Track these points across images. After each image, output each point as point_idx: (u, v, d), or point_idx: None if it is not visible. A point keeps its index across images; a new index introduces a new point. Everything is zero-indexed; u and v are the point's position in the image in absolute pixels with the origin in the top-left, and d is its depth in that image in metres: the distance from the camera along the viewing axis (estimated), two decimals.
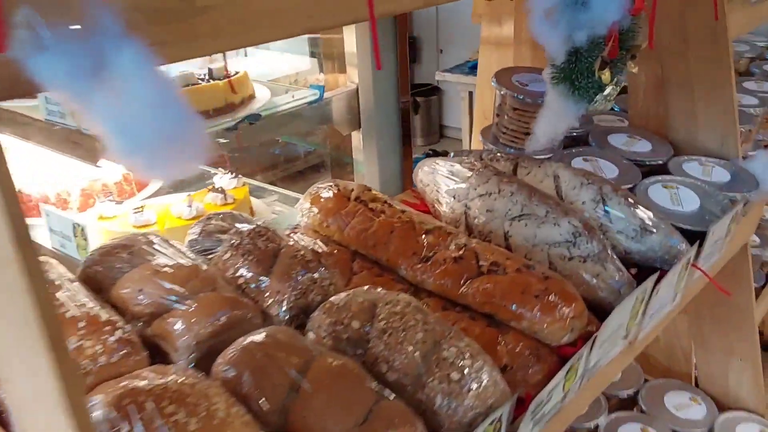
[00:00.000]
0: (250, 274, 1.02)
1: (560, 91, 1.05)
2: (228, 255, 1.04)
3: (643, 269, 1.29)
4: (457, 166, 1.44)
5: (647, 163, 1.57)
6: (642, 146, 1.63)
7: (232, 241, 1.05)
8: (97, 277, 0.99)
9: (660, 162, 1.57)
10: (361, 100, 1.58)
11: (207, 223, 1.12)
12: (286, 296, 0.99)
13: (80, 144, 1.23)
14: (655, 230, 1.26)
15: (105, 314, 0.87)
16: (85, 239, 1.39)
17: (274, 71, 2.02)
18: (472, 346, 0.89)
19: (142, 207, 1.41)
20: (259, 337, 0.85)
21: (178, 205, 1.41)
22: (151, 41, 0.54)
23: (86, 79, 0.49)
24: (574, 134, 1.74)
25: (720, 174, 1.52)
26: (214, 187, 1.48)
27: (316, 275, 1.02)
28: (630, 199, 1.30)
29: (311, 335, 0.94)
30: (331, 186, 1.34)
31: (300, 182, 2.26)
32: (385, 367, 0.86)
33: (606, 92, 1.09)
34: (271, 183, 2.12)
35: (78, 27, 0.49)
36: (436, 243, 1.18)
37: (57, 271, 0.98)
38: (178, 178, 0.69)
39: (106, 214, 1.44)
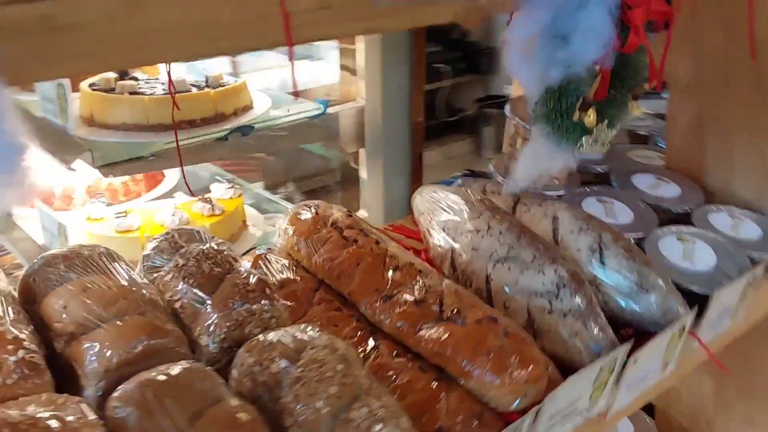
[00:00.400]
0: (187, 300, 0.97)
1: (541, 131, 0.95)
2: (170, 276, 1.00)
3: (641, 331, 1.17)
4: (455, 197, 1.35)
5: (670, 209, 1.42)
6: (669, 190, 1.49)
7: (178, 262, 1.01)
8: (33, 288, 0.96)
9: (684, 210, 1.42)
10: (367, 117, 1.51)
11: (162, 239, 1.08)
12: (219, 327, 0.93)
13: (63, 144, 1.22)
14: (652, 289, 1.13)
15: (14, 331, 0.84)
16: (66, 239, 1.39)
17: (314, 81, 1.97)
18: (389, 408, 0.81)
19: (126, 211, 1.39)
20: (160, 374, 0.79)
21: (163, 213, 1.39)
22: (6, 59, 0.49)
23: None
24: (599, 170, 1.61)
25: (750, 230, 1.37)
26: (203, 196, 1.45)
27: (255, 306, 0.96)
28: (630, 251, 1.18)
29: (234, 372, 0.89)
30: (311, 207, 1.28)
31: (317, 196, 2.21)
32: (291, 421, 0.79)
33: (596, 135, 0.98)
34: (289, 196, 2.09)
35: None
36: (402, 281, 1.10)
37: None
38: None
39: (94, 215, 1.43)
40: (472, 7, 0.83)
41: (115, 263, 1.00)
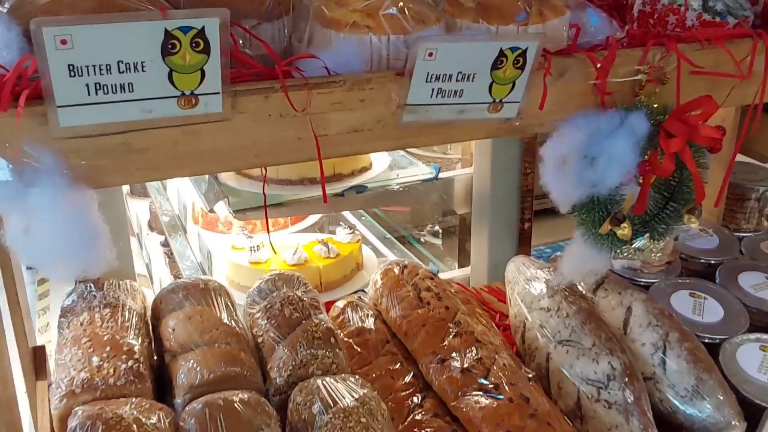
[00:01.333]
0: (267, 337, 1.17)
1: (581, 235, 1.01)
2: (260, 314, 1.21)
3: None
4: (539, 272, 1.42)
5: None
6: None
7: (268, 304, 1.22)
8: (159, 309, 1.23)
9: None
10: (476, 182, 1.62)
11: (265, 280, 1.30)
12: (286, 364, 1.12)
13: (211, 189, 1.50)
14: (708, 396, 1.13)
15: (131, 343, 1.09)
16: (212, 263, 1.68)
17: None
18: None
19: (259, 246, 1.64)
20: (223, 398, 1.00)
21: (288, 250, 1.62)
22: (92, 171, 0.72)
23: (15, 195, 0.69)
24: (712, 261, 1.57)
25: None
26: (321, 240, 1.66)
27: (319, 352, 1.13)
28: (694, 355, 1.18)
29: (289, 404, 1.07)
30: (400, 265, 1.43)
31: (431, 246, 2.37)
32: None
33: (638, 245, 1.02)
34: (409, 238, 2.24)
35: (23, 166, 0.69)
36: (457, 348, 1.21)
37: (136, 298, 1.24)
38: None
39: (238, 244, 1.71)
40: (507, 127, 0.94)
41: (222, 297, 1.24)
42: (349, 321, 1.35)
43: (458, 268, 1.94)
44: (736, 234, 1.81)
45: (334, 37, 0.85)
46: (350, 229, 1.75)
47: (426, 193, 1.65)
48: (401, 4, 0.87)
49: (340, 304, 1.40)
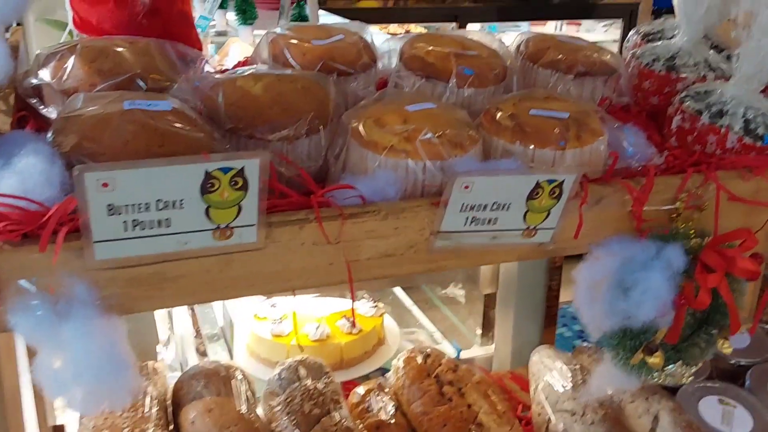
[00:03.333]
0: None
1: (611, 357, 0.99)
2: (279, 408, 1.20)
3: None
4: (564, 367, 1.40)
5: None
6: None
7: (287, 398, 1.21)
8: (179, 396, 1.22)
9: None
10: (503, 266, 1.61)
11: (286, 368, 1.30)
12: None
13: None
14: None
15: None
16: (233, 335, 1.67)
17: None
18: None
19: (282, 318, 1.64)
20: None
21: (311, 324, 1.62)
22: (125, 298, 0.73)
23: (48, 328, 0.69)
24: (742, 363, 1.53)
25: None
26: (345, 314, 1.65)
27: None
28: None
29: None
30: (423, 353, 1.42)
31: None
32: None
33: (670, 371, 0.99)
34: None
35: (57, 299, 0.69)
36: None
37: (157, 382, 1.24)
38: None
39: (260, 314, 1.71)
40: (540, 251, 0.93)
41: (243, 386, 1.23)
42: (369, 410, 1.33)
43: (481, 344, 1.92)
44: None
45: (371, 159, 0.85)
46: (374, 302, 1.74)
47: (453, 271, 1.64)
48: (439, 129, 0.87)
49: (361, 390, 1.38)
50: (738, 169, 0.98)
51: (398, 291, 2.25)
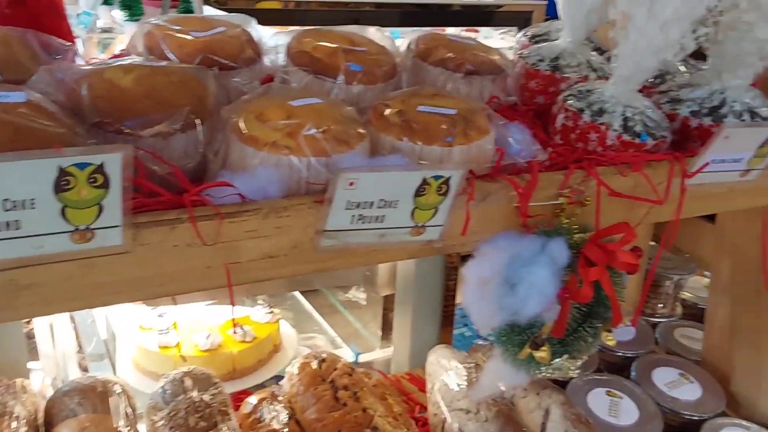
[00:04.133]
0: None
1: (500, 353, 1.00)
2: (162, 422, 1.13)
3: None
4: (459, 366, 1.40)
5: (682, 415, 1.39)
6: (689, 392, 1.45)
7: (172, 410, 1.14)
8: (51, 415, 1.13)
9: (698, 418, 1.38)
10: (399, 265, 1.61)
11: (171, 380, 1.22)
12: None
13: None
14: None
15: None
16: (115, 349, 1.57)
17: None
18: None
19: (168, 328, 1.56)
20: None
21: (200, 334, 1.55)
22: None
23: None
24: (628, 354, 1.60)
25: None
26: (239, 324, 1.60)
27: None
28: None
29: None
30: (318, 358, 1.38)
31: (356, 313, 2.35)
32: None
33: (557, 365, 1.01)
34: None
35: None
36: None
37: (26, 401, 1.13)
38: None
39: (146, 324, 1.61)
40: (429, 249, 0.92)
41: (123, 402, 1.15)
42: (261, 420, 1.28)
43: (381, 346, 1.90)
44: (652, 319, 1.86)
45: (252, 155, 0.81)
46: (270, 307, 1.68)
47: (350, 274, 1.61)
48: (324, 125, 0.84)
49: (253, 400, 1.33)
50: (617, 166, 1.01)
51: (298, 296, 2.21)
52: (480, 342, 1.60)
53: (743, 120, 1.10)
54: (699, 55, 1.23)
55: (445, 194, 0.85)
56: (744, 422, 1.39)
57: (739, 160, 1.08)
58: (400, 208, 0.84)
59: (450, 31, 5.56)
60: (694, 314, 1.90)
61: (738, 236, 1.41)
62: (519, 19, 5.44)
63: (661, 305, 1.89)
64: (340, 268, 0.87)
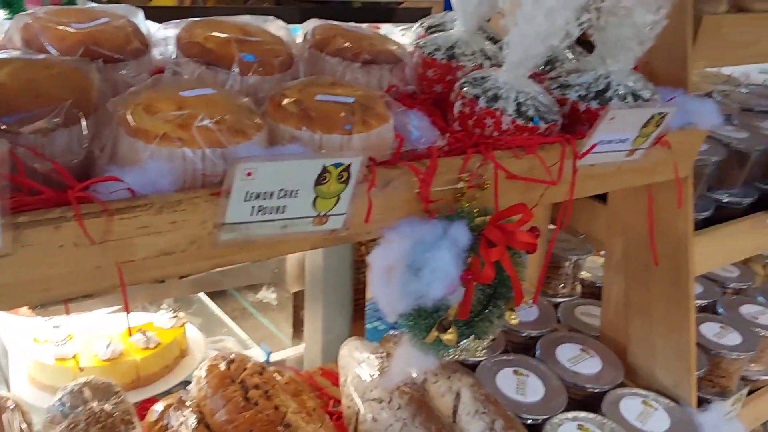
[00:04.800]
0: None
1: (409, 339, 1.01)
2: None
3: None
4: (371, 357, 1.41)
5: (584, 388, 1.45)
6: (590, 366, 1.51)
7: (69, 424, 1.08)
8: None
9: (597, 390, 1.44)
10: (308, 257, 1.60)
11: (69, 391, 1.16)
12: None
13: None
14: None
15: None
16: (7, 364, 1.47)
17: None
18: None
19: (66, 339, 1.48)
20: None
21: (101, 343, 1.47)
22: None
23: None
24: (533, 334, 1.65)
25: (658, 421, 1.38)
26: (137, 327, 1.53)
27: None
28: None
29: None
30: (226, 359, 1.34)
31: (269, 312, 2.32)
32: None
33: (464, 346, 1.04)
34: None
35: None
36: None
37: None
38: None
39: (41, 337, 1.52)
40: (333, 238, 0.91)
41: (17, 418, 1.08)
42: (169, 427, 1.23)
43: (293, 344, 1.88)
44: (554, 299, 1.93)
45: (142, 149, 0.77)
46: (174, 311, 1.63)
47: (257, 272, 1.58)
48: (218, 115, 0.81)
49: (159, 407, 1.28)
50: (513, 149, 1.04)
51: (205, 300, 2.15)
52: (392, 332, 1.61)
53: (627, 102, 1.16)
54: (587, 44, 1.29)
55: (346, 182, 0.85)
56: (642, 391, 1.47)
57: (624, 140, 1.14)
58: (302, 198, 0.82)
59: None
60: (593, 293, 1.99)
61: (628, 215, 1.48)
62: (419, 16, 5.51)
63: (562, 286, 1.97)
64: (241, 262, 0.85)
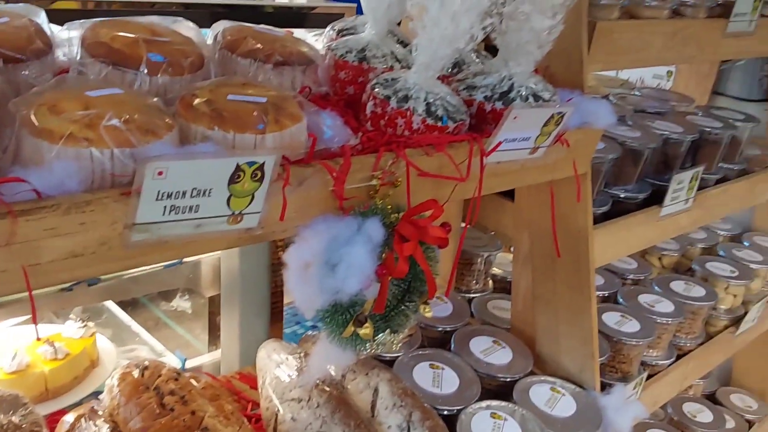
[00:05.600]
0: None
1: (326, 335, 1.03)
2: None
3: None
4: (290, 358, 1.41)
5: (497, 377, 1.51)
6: (501, 356, 1.58)
7: None
8: None
9: (508, 379, 1.51)
10: (223, 261, 1.59)
11: None
12: None
13: None
14: None
15: None
16: None
17: None
18: None
19: None
20: None
21: (5, 357, 1.41)
22: None
23: None
24: (447, 329, 1.70)
25: (566, 406, 1.46)
26: (48, 339, 1.48)
27: None
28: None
29: None
30: (140, 366, 1.32)
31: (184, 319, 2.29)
32: None
33: (380, 340, 1.07)
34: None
35: None
36: None
37: None
38: None
39: None
40: (248, 237, 0.92)
41: None
42: None
43: (209, 350, 1.85)
44: (467, 295, 2.00)
45: (47, 149, 0.75)
46: (83, 321, 1.57)
47: (171, 278, 1.55)
48: (126, 114, 0.80)
49: (70, 417, 1.24)
50: (423, 147, 1.08)
51: (116, 310, 2.08)
52: (310, 333, 1.62)
53: (529, 103, 1.22)
54: (492, 48, 1.34)
55: (260, 180, 0.85)
56: (549, 378, 1.54)
57: (527, 138, 1.20)
58: (215, 197, 0.83)
59: None
60: (504, 287, 2.06)
61: (533, 211, 1.56)
62: (331, 21, 5.55)
63: (474, 282, 2.04)
64: (154, 263, 0.84)
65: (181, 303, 2.64)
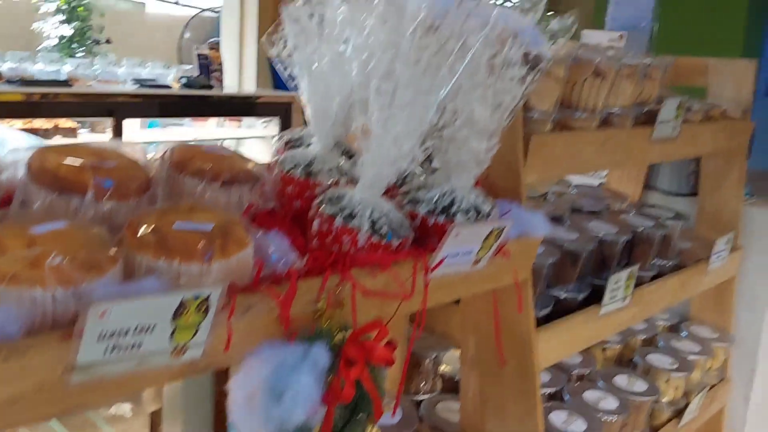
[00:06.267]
0: None
1: None
2: None
3: None
4: None
5: None
6: None
7: None
8: None
9: None
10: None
11: None
12: None
13: None
14: None
15: None
16: None
17: None
18: None
19: None
20: None
21: None
22: None
23: None
24: None
25: None
26: None
27: None
28: None
29: None
30: None
31: None
32: None
33: None
34: None
35: None
36: None
37: None
38: None
39: None
40: (192, 368, 0.90)
41: None
42: None
43: None
44: (416, 397, 1.98)
45: None
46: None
47: None
48: (71, 252, 0.80)
49: None
50: (369, 266, 1.10)
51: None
52: None
53: (470, 216, 1.27)
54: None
55: (205, 312, 0.86)
56: None
57: (469, 252, 1.24)
58: (158, 332, 0.82)
59: (212, 121, 5.57)
60: (454, 386, 2.06)
61: (478, 315, 1.59)
62: (280, 109, 5.64)
63: (423, 383, 2.03)
64: (94, 406, 0.82)
65: (122, 408, 2.54)
